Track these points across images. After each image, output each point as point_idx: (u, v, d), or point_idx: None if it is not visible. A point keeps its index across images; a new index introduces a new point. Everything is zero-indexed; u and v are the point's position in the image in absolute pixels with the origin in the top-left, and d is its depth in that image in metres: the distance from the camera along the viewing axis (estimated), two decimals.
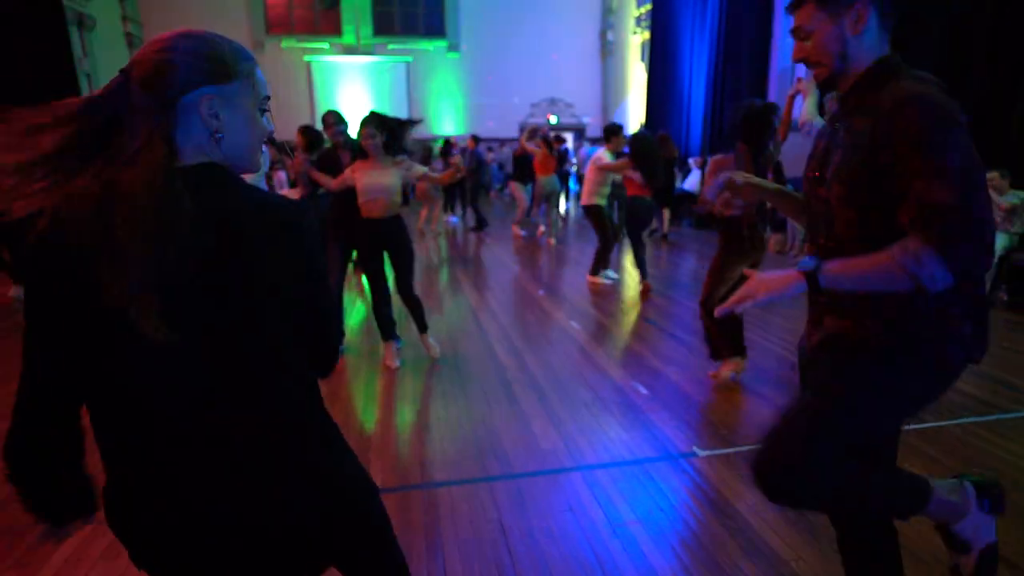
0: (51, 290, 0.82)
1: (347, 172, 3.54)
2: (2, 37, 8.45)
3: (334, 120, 3.86)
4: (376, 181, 3.47)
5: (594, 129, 16.97)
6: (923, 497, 1.25)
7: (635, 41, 15.30)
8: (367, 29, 16.05)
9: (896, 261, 1.06)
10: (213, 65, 0.86)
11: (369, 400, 3.32)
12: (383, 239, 3.61)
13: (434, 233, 9.51)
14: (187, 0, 13.91)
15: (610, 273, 6.13)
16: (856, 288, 1.15)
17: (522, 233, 8.94)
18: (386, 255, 3.68)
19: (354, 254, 4.13)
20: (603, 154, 5.67)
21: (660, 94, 12.87)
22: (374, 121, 3.46)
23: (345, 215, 3.81)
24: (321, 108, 15.31)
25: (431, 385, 3.48)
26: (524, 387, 3.40)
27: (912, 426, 2.80)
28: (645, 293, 5.53)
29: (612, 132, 5.74)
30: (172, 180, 0.81)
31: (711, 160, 3.34)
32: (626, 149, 5.54)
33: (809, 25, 1.21)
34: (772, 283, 1.18)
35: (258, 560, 0.94)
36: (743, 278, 3.26)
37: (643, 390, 3.33)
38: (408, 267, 3.71)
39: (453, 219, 11.01)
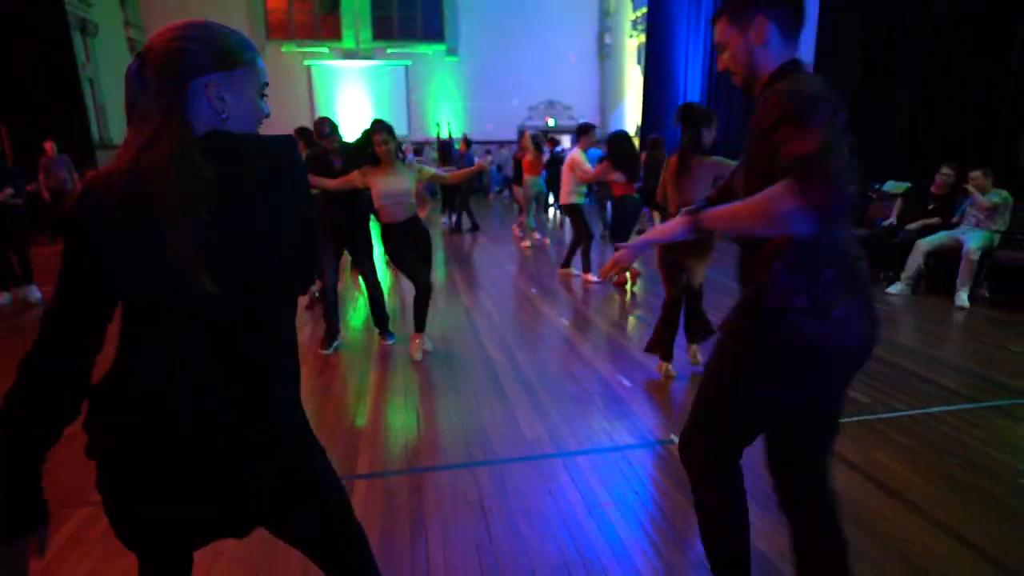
0: (88, 256, 0.91)
1: (355, 175, 3.65)
2: (4, 41, 8.58)
3: (329, 130, 3.96)
4: (394, 186, 3.62)
5: None
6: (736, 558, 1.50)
7: (632, 44, 15.44)
8: (366, 33, 16.21)
9: (762, 200, 1.12)
10: (219, 53, 0.95)
11: (362, 394, 3.41)
12: (408, 239, 3.77)
13: None
14: (188, 5, 14.05)
15: (574, 270, 6.32)
16: (730, 228, 1.24)
17: (521, 234, 9.03)
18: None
19: (345, 253, 4.24)
20: (578, 155, 5.78)
21: (656, 97, 13.00)
22: (385, 128, 3.61)
23: (341, 217, 3.91)
24: (321, 112, 15.44)
25: (422, 380, 3.58)
26: (512, 381, 3.49)
27: (884, 415, 2.89)
28: (634, 277, 5.69)
29: (583, 131, 5.91)
30: (194, 152, 0.90)
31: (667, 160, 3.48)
32: (599, 153, 5.61)
33: (724, 39, 1.35)
34: (663, 228, 1.37)
35: (218, 521, 1.04)
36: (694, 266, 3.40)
37: (627, 383, 3.42)
38: (431, 263, 3.92)
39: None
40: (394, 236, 3.75)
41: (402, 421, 3.05)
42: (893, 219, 5.84)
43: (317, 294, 5.02)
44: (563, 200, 6.08)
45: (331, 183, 3.69)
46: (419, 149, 10.82)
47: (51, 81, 9.98)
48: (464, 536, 2.07)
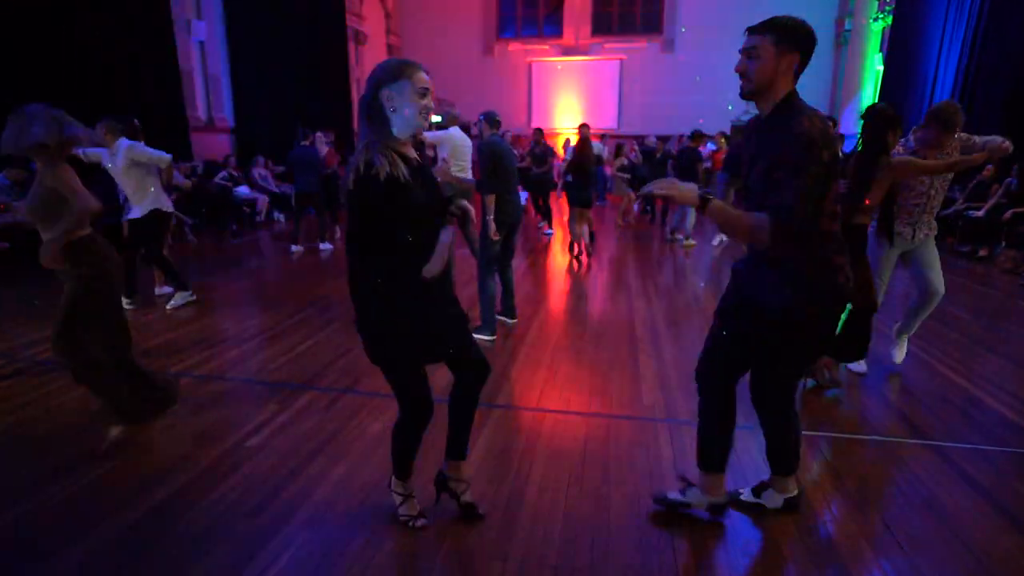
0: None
1: None
2: (304, 53, 11.15)
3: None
4: None
5: None
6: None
7: (876, 29, 13.69)
8: (585, 30, 16.90)
9: (749, 223, 1.64)
10: (390, 73, 1.73)
11: (516, 350, 4.01)
12: None
13: (624, 223, 9.88)
14: (434, 14, 16.24)
15: None
16: (720, 224, 1.76)
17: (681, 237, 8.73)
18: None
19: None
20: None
21: (897, 90, 11.40)
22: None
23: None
24: (536, 106, 16.64)
25: (570, 345, 4.06)
26: (648, 355, 3.81)
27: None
28: None
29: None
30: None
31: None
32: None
33: (762, 52, 1.63)
34: (680, 192, 1.72)
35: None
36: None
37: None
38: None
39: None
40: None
41: (543, 374, 3.57)
42: None
43: None
44: None
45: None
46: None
47: (331, 82, 12.54)
48: (559, 464, 2.53)
